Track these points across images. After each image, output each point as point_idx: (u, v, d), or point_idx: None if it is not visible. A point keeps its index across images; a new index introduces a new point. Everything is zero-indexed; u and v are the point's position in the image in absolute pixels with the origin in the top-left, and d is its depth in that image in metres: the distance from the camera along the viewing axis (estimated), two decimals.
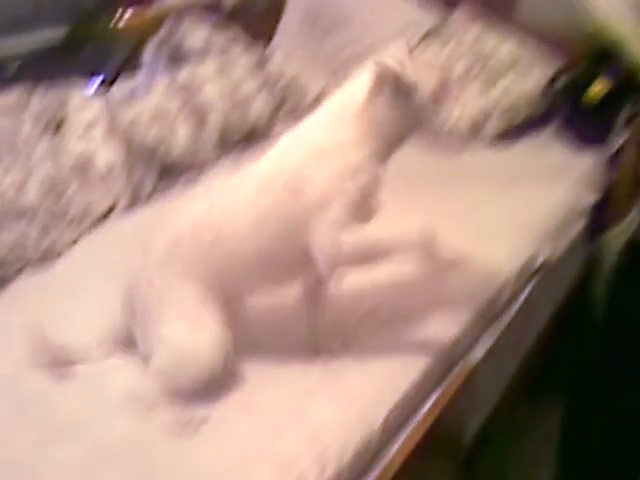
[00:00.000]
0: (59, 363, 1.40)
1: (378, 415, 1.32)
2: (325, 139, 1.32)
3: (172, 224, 1.41)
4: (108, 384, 1.38)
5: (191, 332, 1.32)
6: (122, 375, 1.39)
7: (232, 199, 1.36)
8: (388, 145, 1.34)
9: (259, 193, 1.33)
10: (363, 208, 1.31)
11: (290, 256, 1.34)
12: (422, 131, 1.38)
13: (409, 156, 1.45)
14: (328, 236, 1.27)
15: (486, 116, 2.41)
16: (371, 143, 1.31)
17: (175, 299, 1.34)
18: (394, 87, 1.30)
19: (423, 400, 1.45)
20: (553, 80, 2.47)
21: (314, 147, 1.32)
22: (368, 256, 1.29)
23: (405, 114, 1.32)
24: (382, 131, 1.32)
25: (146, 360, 1.36)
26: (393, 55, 1.31)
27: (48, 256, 1.81)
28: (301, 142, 1.36)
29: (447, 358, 1.50)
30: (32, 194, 1.88)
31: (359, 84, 1.34)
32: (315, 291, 1.45)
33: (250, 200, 1.34)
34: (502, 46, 2.54)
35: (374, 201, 1.34)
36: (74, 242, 1.88)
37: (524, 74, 2.47)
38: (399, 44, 1.34)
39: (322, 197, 1.27)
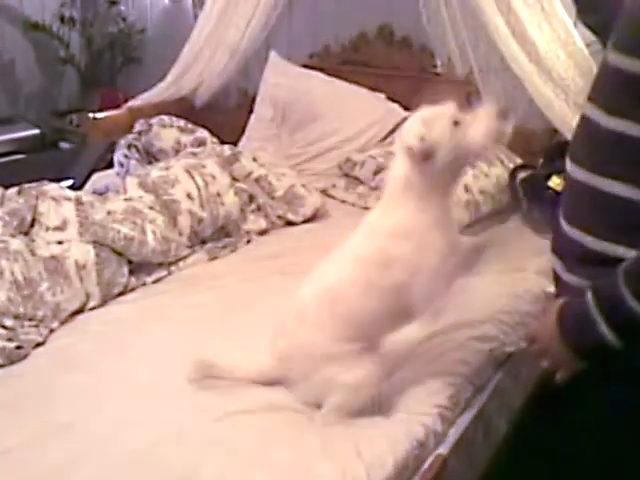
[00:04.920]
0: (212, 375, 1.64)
1: None
2: (394, 221, 1.51)
3: (295, 301, 1.63)
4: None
5: (352, 371, 1.53)
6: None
7: (335, 274, 1.59)
8: (443, 202, 1.51)
9: (355, 270, 1.55)
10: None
11: (393, 310, 1.54)
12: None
13: None
14: (434, 292, 1.49)
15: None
16: (428, 211, 1.48)
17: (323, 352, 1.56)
18: (414, 159, 1.43)
19: None
20: (513, 174, 2.56)
21: (389, 229, 1.51)
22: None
23: (437, 175, 1.45)
24: (431, 195, 1.48)
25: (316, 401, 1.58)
26: (406, 130, 1.45)
27: (13, 358, 1.77)
28: (377, 225, 1.56)
29: (417, 455, 1.50)
30: (2, 295, 1.87)
31: (396, 166, 1.51)
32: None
33: (350, 275, 1.56)
34: None
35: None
36: (41, 343, 1.86)
37: (485, 170, 2.57)
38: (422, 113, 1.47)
39: (410, 270, 1.48)
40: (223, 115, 3.43)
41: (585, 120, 1.23)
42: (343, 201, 2.86)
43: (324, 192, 2.89)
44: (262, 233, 2.57)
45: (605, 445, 1.29)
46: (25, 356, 1.79)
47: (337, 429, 1.51)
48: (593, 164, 1.18)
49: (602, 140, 1.17)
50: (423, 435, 1.54)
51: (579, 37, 2.39)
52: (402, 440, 1.49)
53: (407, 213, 1.48)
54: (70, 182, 2.70)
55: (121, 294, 2.12)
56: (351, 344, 1.55)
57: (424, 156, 1.41)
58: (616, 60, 1.14)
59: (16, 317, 1.86)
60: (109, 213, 2.22)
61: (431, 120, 1.43)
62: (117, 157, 2.92)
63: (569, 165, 1.26)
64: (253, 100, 3.40)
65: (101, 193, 2.51)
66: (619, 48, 1.13)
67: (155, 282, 2.21)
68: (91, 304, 2.04)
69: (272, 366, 1.64)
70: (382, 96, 3.12)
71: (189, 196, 2.39)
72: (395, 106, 3.06)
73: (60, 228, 2.16)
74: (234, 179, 2.62)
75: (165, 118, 2.99)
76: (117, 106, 3.37)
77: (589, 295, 1.15)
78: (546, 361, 1.29)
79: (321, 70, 3.27)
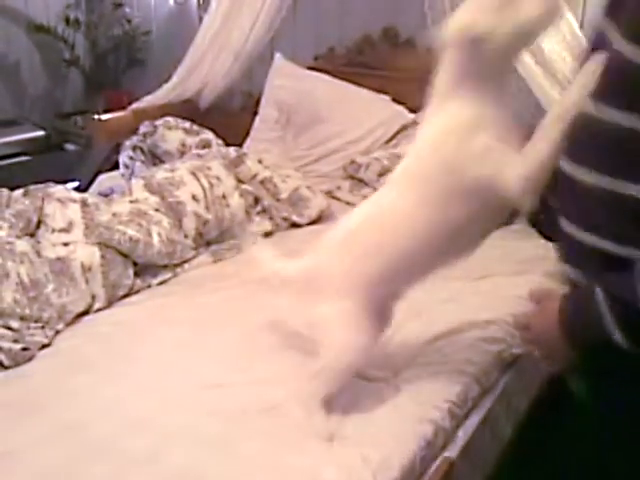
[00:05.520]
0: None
1: None
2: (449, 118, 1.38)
3: (343, 223, 1.55)
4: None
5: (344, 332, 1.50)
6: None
7: (386, 198, 1.49)
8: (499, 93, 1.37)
9: (415, 186, 1.45)
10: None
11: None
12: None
13: None
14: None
15: None
16: (485, 103, 1.34)
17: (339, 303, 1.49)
18: (464, 45, 1.33)
19: None
20: None
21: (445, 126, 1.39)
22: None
23: (491, 62, 1.33)
24: (486, 86, 1.35)
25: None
26: (451, 20, 1.34)
27: (19, 360, 1.77)
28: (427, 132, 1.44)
29: (424, 456, 1.49)
30: (8, 297, 1.87)
31: (442, 67, 1.42)
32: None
33: (407, 194, 1.44)
34: None
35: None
36: (47, 345, 1.86)
37: None
38: None
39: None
40: (227, 117, 3.44)
41: (586, 116, 1.14)
42: (348, 203, 2.85)
43: (329, 194, 2.89)
44: (267, 235, 2.57)
45: (608, 449, 1.29)
46: (31, 358, 1.79)
47: (344, 427, 1.49)
48: (598, 163, 1.12)
49: (609, 138, 1.10)
50: (431, 434, 1.52)
51: (585, 39, 2.38)
52: (410, 440, 1.48)
53: (463, 106, 1.35)
54: (75, 184, 2.71)
55: (126, 296, 2.12)
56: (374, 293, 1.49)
57: (474, 42, 1.30)
58: (627, 51, 1.04)
59: (22, 319, 1.86)
60: (115, 215, 2.22)
61: (477, 3, 1.30)
62: (122, 159, 2.93)
63: (568, 166, 1.19)
64: (257, 102, 3.40)
65: (106, 195, 2.51)
66: (630, 37, 1.04)
67: (160, 284, 2.21)
68: (96, 306, 2.04)
69: (303, 270, 1.59)
70: (387, 98, 3.12)
71: (194, 198, 2.39)
72: (400, 108, 3.06)
73: (66, 230, 2.16)
74: (239, 181, 2.62)
75: (170, 120, 2.99)
76: (122, 108, 3.37)
77: (598, 289, 1.11)
78: (537, 350, 1.27)
79: (326, 72, 3.27)
